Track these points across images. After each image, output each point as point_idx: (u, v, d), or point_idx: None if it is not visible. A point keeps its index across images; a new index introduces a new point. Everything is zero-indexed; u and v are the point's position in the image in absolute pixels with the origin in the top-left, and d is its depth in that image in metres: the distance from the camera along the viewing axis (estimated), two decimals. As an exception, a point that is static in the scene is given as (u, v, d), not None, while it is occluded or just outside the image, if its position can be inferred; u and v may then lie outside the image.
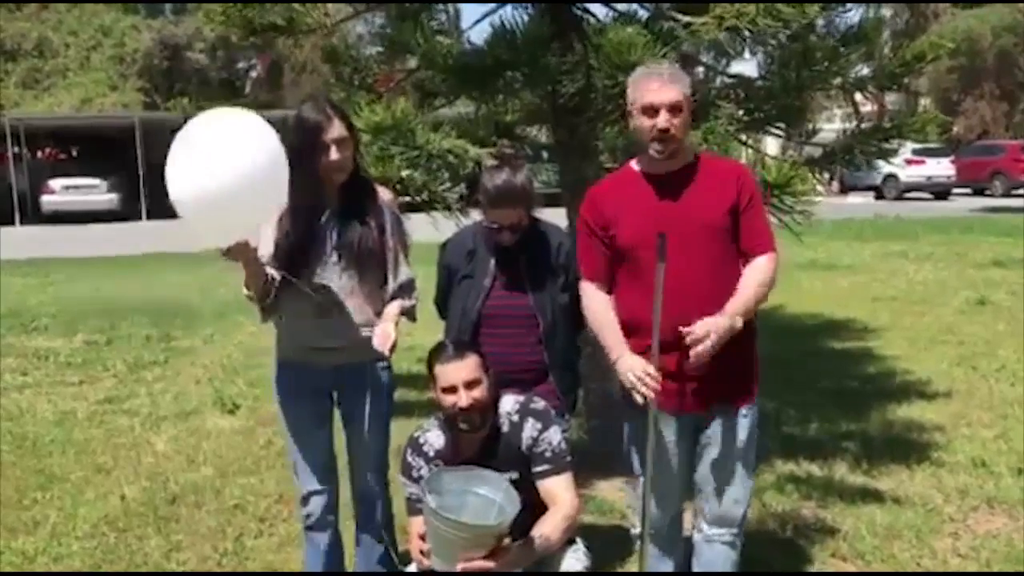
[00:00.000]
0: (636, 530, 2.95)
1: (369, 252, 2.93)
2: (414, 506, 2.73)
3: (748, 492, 2.83)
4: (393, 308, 2.97)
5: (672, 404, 2.69)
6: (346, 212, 2.93)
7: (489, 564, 2.42)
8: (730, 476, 2.75)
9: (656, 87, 2.59)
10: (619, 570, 3.40)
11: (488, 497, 2.58)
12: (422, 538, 2.56)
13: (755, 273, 2.68)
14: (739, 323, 2.56)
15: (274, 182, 2.56)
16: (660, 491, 2.81)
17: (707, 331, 2.49)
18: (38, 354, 7.64)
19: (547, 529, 2.61)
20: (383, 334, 2.85)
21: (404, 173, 4.12)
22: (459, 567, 2.42)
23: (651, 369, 2.55)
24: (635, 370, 2.56)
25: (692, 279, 2.61)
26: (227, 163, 2.42)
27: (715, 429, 2.73)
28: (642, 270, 2.64)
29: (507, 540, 2.48)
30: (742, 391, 2.73)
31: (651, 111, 2.59)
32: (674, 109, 2.58)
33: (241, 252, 2.68)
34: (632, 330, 2.68)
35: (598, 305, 2.76)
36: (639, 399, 2.56)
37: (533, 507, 2.63)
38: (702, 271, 2.63)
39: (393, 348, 2.85)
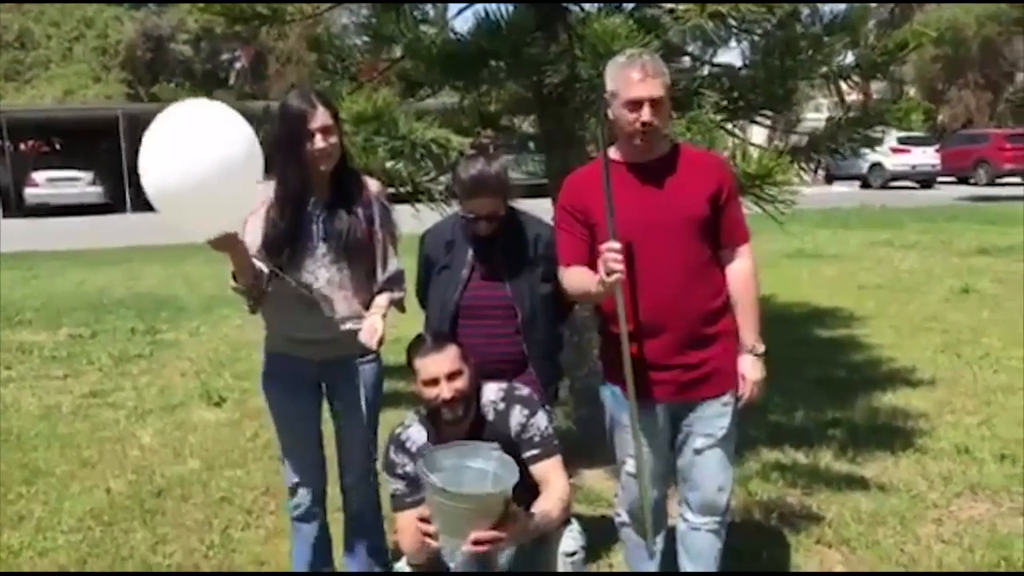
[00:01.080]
0: (620, 518, 2.96)
1: (357, 243, 2.92)
2: (401, 501, 2.73)
3: (730, 480, 2.83)
4: (381, 300, 2.96)
5: (650, 393, 2.69)
6: (334, 203, 2.91)
7: (500, 535, 2.41)
8: (712, 465, 2.75)
9: (639, 79, 2.56)
10: (606, 557, 3.41)
11: (482, 468, 2.58)
12: (425, 521, 2.53)
13: (745, 283, 2.74)
14: (761, 348, 2.75)
15: (250, 170, 2.54)
16: (643, 480, 2.83)
17: (752, 386, 2.74)
18: (22, 348, 7.60)
19: (547, 506, 2.62)
20: (370, 328, 2.84)
21: (388, 164, 4.10)
22: (472, 539, 2.39)
23: (614, 246, 2.46)
24: (605, 259, 2.46)
25: (672, 267, 2.62)
26: (201, 154, 2.39)
27: (695, 418, 2.73)
28: (624, 259, 2.63)
29: (513, 506, 2.47)
30: (722, 380, 2.72)
31: (634, 105, 2.57)
32: (656, 103, 2.57)
33: (227, 244, 2.66)
34: (612, 317, 2.66)
35: (574, 270, 2.71)
36: (612, 277, 2.46)
37: (527, 490, 2.63)
38: (683, 259, 2.64)
39: (381, 342, 2.85)
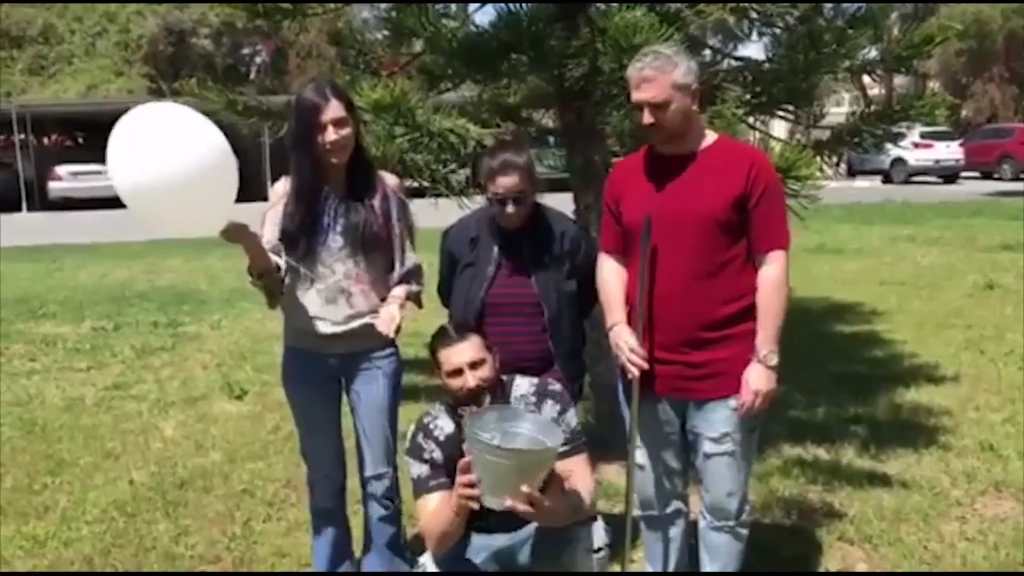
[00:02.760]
0: (637, 513, 2.96)
1: (374, 237, 2.93)
2: (424, 485, 2.70)
3: (742, 484, 2.78)
4: (399, 291, 2.97)
5: (659, 387, 2.69)
6: (349, 196, 2.93)
7: (537, 497, 2.40)
8: (721, 471, 2.72)
9: (636, 83, 2.58)
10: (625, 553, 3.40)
11: (531, 434, 2.58)
12: (465, 470, 2.50)
13: (765, 290, 2.63)
14: (774, 360, 2.61)
15: (219, 174, 2.52)
16: (655, 474, 2.83)
17: (752, 396, 2.59)
18: (46, 340, 7.67)
19: (578, 488, 2.63)
20: (387, 317, 2.85)
21: (407, 156, 4.11)
22: (508, 503, 2.39)
23: (635, 345, 2.62)
24: (622, 346, 2.64)
25: (680, 265, 2.61)
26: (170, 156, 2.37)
27: (701, 419, 2.70)
28: (635, 251, 2.67)
29: (555, 471, 2.49)
30: (729, 383, 2.65)
31: (638, 107, 2.60)
32: (656, 106, 2.56)
33: (239, 234, 2.66)
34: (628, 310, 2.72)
35: (608, 271, 2.82)
36: (628, 374, 2.65)
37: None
38: (692, 259, 2.61)
39: (397, 331, 2.86)
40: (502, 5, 4.12)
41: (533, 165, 2.96)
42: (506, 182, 2.89)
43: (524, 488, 2.38)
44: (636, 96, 2.59)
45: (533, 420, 2.61)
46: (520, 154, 2.92)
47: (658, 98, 2.55)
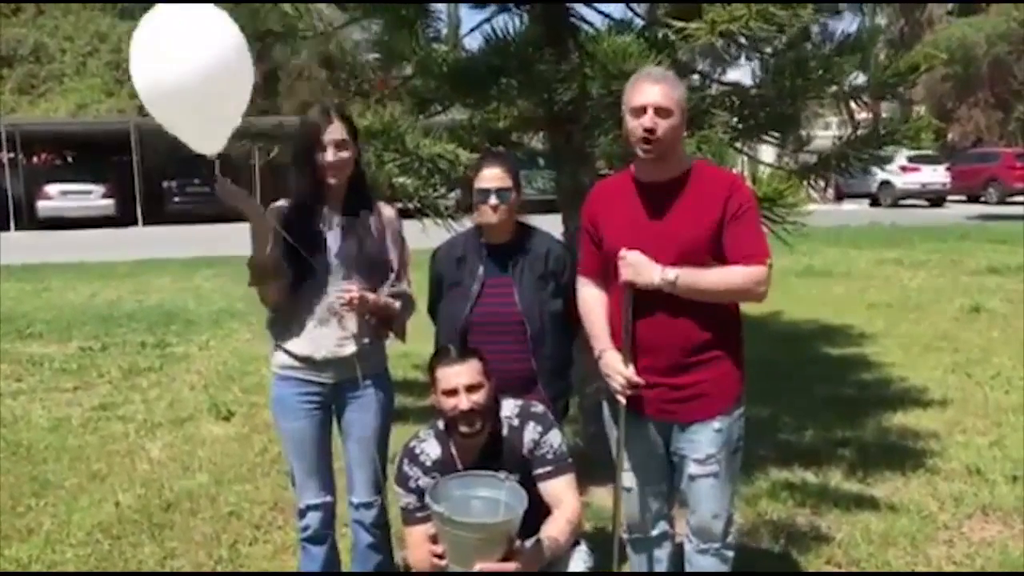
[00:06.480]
0: (627, 535, 2.95)
1: (369, 263, 2.94)
2: (411, 516, 2.72)
3: (727, 506, 2.77)
4: (387, 298, 2.97)
5: (637, 408, 2.70)
6: (348, 222, 2.95)
7: (509, 566, 2.41)
8: (705, 492, 2.72)
9: (644, 88, 2.59)
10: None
11: (491, 498, 2.58)
12: (433, 541, 2.53)
13: (727, 270, 2.57)
14: (669, 276, 2.52)
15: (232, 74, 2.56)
16: (641, 496, 2.83)
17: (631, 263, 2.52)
18: (33, 360, 7.62)
19: (555, 532, 2.61)
20: (359, 294, 2.85)
21: (397, 180, 4.12)
22: (477, 568, 2.40)
23: (628, 373, 2.62)
24: (613, 374, 2.64)
25: (666, 294, 2.58)
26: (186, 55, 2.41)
27: (686, 441, 2.70)
28: (616, 276, 2.65)
29: (518, 542, 2.47)
30: (712, 404, 2.66)
31: (639, 111, 2.58)
32: (662, 111, 2.55)
33: (234, 194, 2.71)
34: (611, 334, 2.72)
35: (589, 298, 2.82)
36: (620, 399, 2.65)
37: (536, 508, 2.62)
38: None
39: (362, 302, 2.86)
40: (491, 31, 4.16)
41: (517, 172, 3.02)
42: (489, 173, 2.96)
43: (484, 564, 2.38)
44: (641, 100, 2.56)
45: (498, 484, 2.59)
46: (505, 156, 3.03)
47: (664, 103, 2.55)
